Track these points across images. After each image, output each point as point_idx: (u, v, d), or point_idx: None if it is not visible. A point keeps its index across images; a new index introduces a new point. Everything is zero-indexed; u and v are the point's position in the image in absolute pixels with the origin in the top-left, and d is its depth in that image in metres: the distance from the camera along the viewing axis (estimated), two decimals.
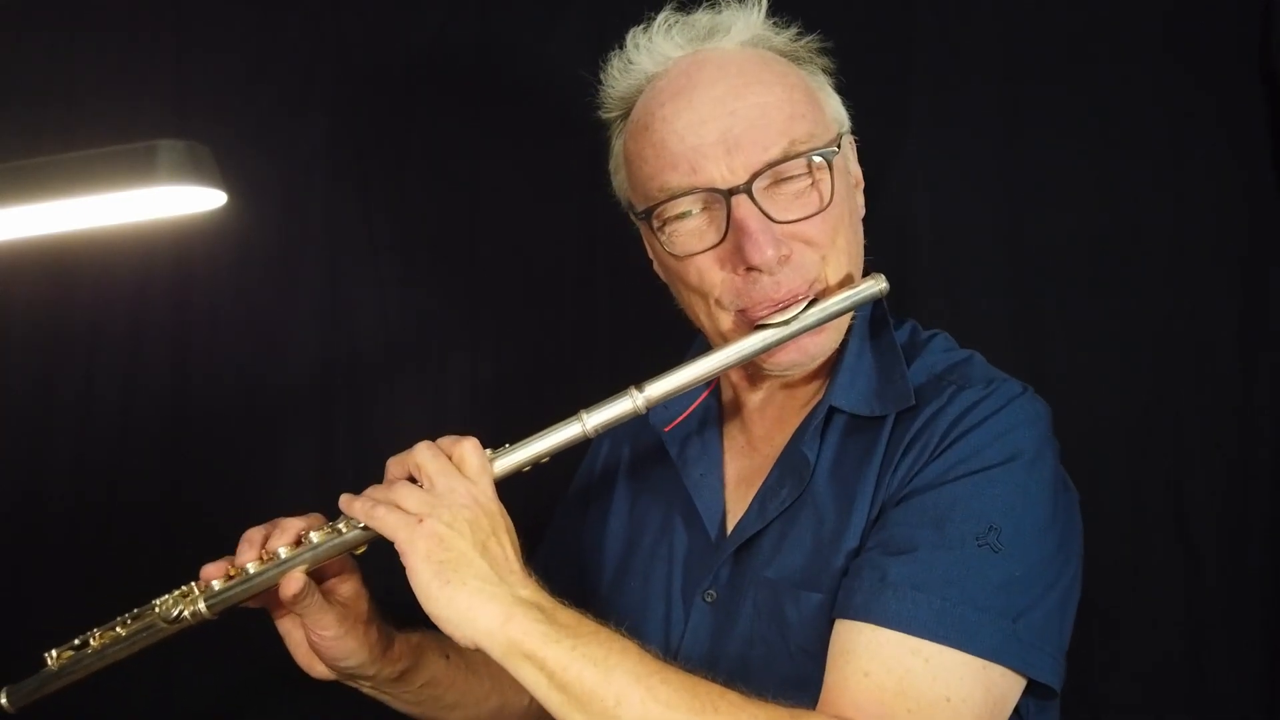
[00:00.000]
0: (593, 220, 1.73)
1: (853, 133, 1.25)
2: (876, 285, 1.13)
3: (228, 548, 1.45)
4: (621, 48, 1.22)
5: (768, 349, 1.13)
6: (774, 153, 1.11)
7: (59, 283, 1.73)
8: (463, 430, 1.12)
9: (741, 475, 1.24)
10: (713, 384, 1.31)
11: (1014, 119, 1.60)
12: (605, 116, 1.27)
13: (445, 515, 1.03)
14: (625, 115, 1.23)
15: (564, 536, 1.43)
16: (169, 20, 1.77)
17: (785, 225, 1.11)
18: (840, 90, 1.25)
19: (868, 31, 1.62)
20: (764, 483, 1.19)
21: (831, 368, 1.19)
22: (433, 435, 1.15)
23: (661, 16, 1.19)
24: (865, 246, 1.24)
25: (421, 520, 1.02)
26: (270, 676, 1.72)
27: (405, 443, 1.12)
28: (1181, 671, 1.51)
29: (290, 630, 1.19)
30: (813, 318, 1.12)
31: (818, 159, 1.13)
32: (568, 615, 1.01)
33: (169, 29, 1.77)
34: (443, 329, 1.76)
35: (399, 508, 1.05)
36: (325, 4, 1.77)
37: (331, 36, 1.77)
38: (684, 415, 1.29)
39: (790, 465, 1.17)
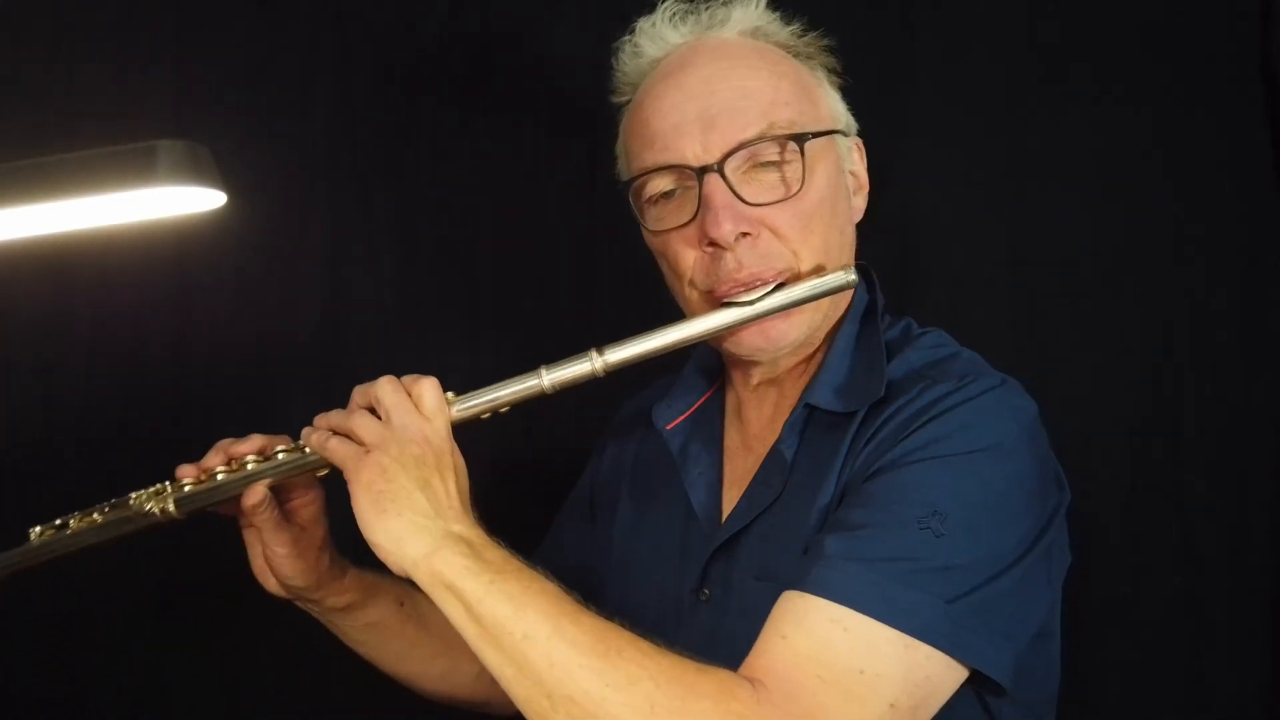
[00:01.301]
0: (593, 219, 1.73)
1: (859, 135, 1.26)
2: (846, 277, 1.13)
3: (227, 546, 1.45)
4: (632, 35, 1.25)
5: (729, 328, 1.15)
6: (750, 133, 1.13)
7: (59, 283, 1.73)
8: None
9: (736, 475, 1.25)
10: (714, 386, 1.32)
11: (1014, 118, 1.60)
12: (616, 101, 1.30)
13: (393, 449, 1.07)
14: (631, 99, 1.27)
15: (562, 539, 1.44)
16: (169, 20, 1.77)
17: (754, 208, 1.13)
18: (843, 91, 1.25)
19: (868, 30, 1.62)
20: (751, 481, 1.20)
21: (818, 369, 1.20)
22: None
23: (668, 4, 1.23)
24: (865, 247, 1.24)
25: (369, 451, 1.07)
26: (268, 677, 1.72)
27: None
28: (1181, 671, 1.51)
29: (252, 542, 1.27)
30: (775, 302, 1.13)
31: (793, 145, 1.14)
32: (495, 553, 1.04)
33: (169, 29, 1.77)
34: (443, 328, 1.76)
35: (351, 437, 1.10)
36: (325, 4, 1.77)
37: (331, 36, 1.77)
38: (685, 415, 1.30)
39: (772, 463, 1.18)
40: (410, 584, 1.04)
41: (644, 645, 0.98)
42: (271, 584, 1.28)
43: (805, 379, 1.21)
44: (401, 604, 1.35)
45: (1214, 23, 1.54)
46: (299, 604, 1.32)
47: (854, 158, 1.25)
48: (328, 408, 1.76)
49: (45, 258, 1.64)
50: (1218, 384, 1.53)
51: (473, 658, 1.19)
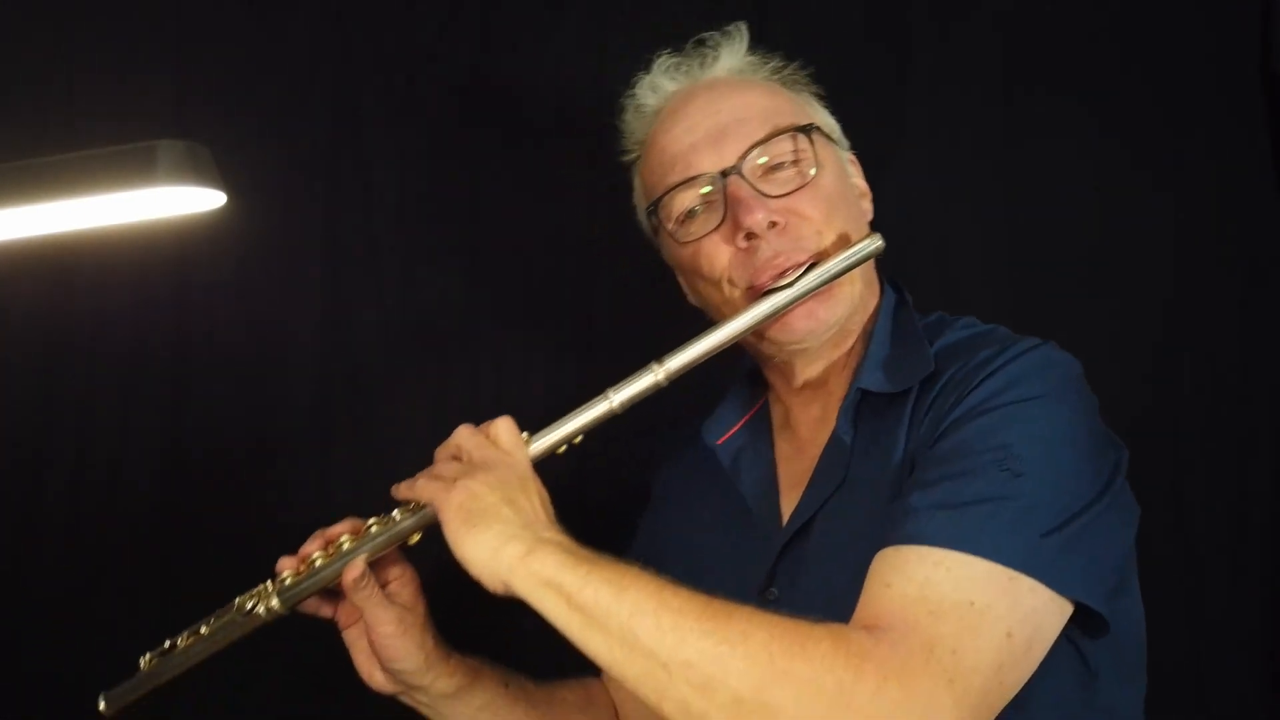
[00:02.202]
0: (594, 223, 1.73)
1: (851, 147, 1.33)
2: (874, 243, 1.20)
3: (226, 547, 1.45)
4: (631, 96, 1.35)
5: (776, 313, 1.19)
6: (759, 134, 1.22)
7: (59, 283, 1.73)
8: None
9: (793, 478, 1.27)
10: (761, 400, 1.37)
11: (1013, 119, 1.60)
12: (626, 160, 1.39)
13: (479, 475, 1.11)
14: (640, 153, 1.36)
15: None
16: (169, 20, 1.76)
17: (778, 199, 1.20)
18: (839, 92, 1.30)
19: (866, 32, 1.62)
20: (811, 477, 1.23)
21: (860, 359, 1.24)
22: (433, 434, 1.18)
23: (660, 60, 1.34)
24: None
25: (455, 481, 1.11)
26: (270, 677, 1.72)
27: (404, 442, 1.13)
28: (1182, 673, 1.51)
29: (355, 640, 1.26)
30: (814, 279, 1.19)
31: (801, 136, 1.23)
32: (588, 551, 1.06)
33: (169, 29, 1.76)
34: (443, 329, 1.76)
35: (438, 477, 1.14)
36: (326, 4, 1.77)
37: (331, 36, 1.77)
38: (735, 429, 1.34)
39: (832, 452, 1.21)
40: (510, 667, 1.11)
41: (750, 607, 0.99)
42: (379, 679, 1.26)
43: (848, 373, 1.25)
44: (507, 685, 1.33)
45: (1214, 23, 1.54)
46: (407, 699, 1.29)
47: (853, 170, 1.33)
48: (327, 407, 1.77)
49: (45, 258, 1.64)
50: (1217, 383, 1.53)
51: None
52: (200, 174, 1.04)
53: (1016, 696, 1.00)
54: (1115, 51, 1.57)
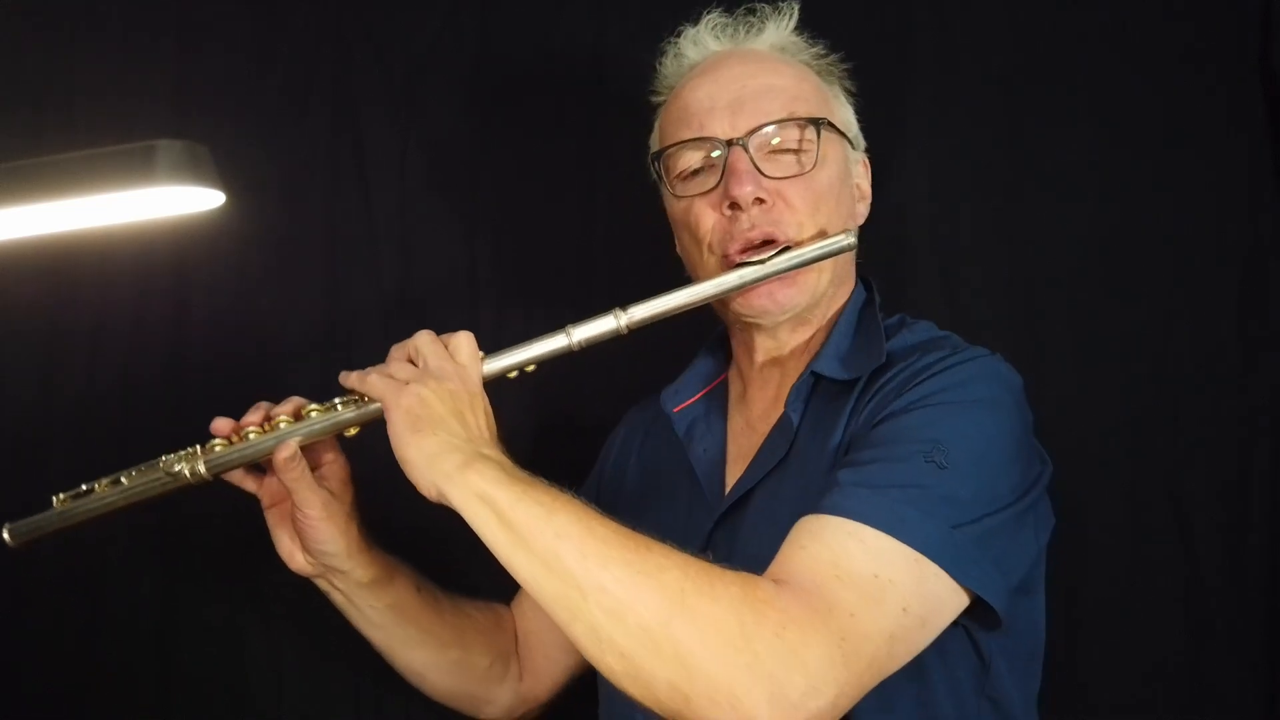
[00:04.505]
0: (594, 220, 1.73)
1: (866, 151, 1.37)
2: (846, 239, 1.24)
3: (226, 546, 1.45)
4: (675, 40, 1.39)
5: (743, 286, 1.24)
6: (774, 116, 1.26)
7: (59, 283, 1.73)
8: None
9: (741, 451, 1.32)
10: (722, 375, 1.42)
11: (1014, 119, 1.60)
12: (655, 100, 1.42)
13: (430, 383, 1.14)
14: (666, 98, 1.39)
15: None
16: (169, 20, 1.76)
17: (772, 180, 1.25)
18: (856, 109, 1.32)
19: (867, 30, 1.62)
20: (756, 453, 1.28)
21: (820, 346, 1.29)
22: None
23: (710, 16, 1.38)
24: (865, 248, 1.31)
25: (407, 384, 1.14)
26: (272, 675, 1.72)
27: None
28: (1181, 671, 1.51)
29: (278, 521, 1.32)
30: (784, 261, 1.24)
31: (810, 128, 1.27)
32: (526, 474, 1.09)
33: (169, 29, 1.76)
34: (443, 329, 1.75)
35: (390, 376, 1.17)
36: (326, 4, 1.77)
37: (331, 36, 1.77)
38: (693, 400, 1.39)
39: (779, 430, 1.27)
40: (421, 572, 1.12)
41: (670, 546, 1.03)
42: (299, 560, 1.31)
43: (806, 358, 1.30)
44: (419, 589, 1.40)
45: (1214, 22, 1.54)
46: (322, 583, 1.34)
47: (860, 170, 1.38)
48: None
49: (45, 258, 1.64)
50: (1218, 384, 1.53)
51: (484, 649, 1.39)
52: (200, 174, 1.04)
53: (918, 672, 1.08)
54: (1115, 50, 1.57)
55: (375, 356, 1.74)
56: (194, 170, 1.04)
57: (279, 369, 1.75)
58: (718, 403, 1.39)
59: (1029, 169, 1.59)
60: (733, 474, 1.31)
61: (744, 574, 1.02)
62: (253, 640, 1.70)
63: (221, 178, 1.08)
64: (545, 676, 1.48)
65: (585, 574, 0.99)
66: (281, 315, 1.75)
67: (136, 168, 1.01)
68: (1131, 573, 1.53)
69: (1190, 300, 1.54)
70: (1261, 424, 1.51)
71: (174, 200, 1.10)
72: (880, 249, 1.61)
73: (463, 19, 1.75)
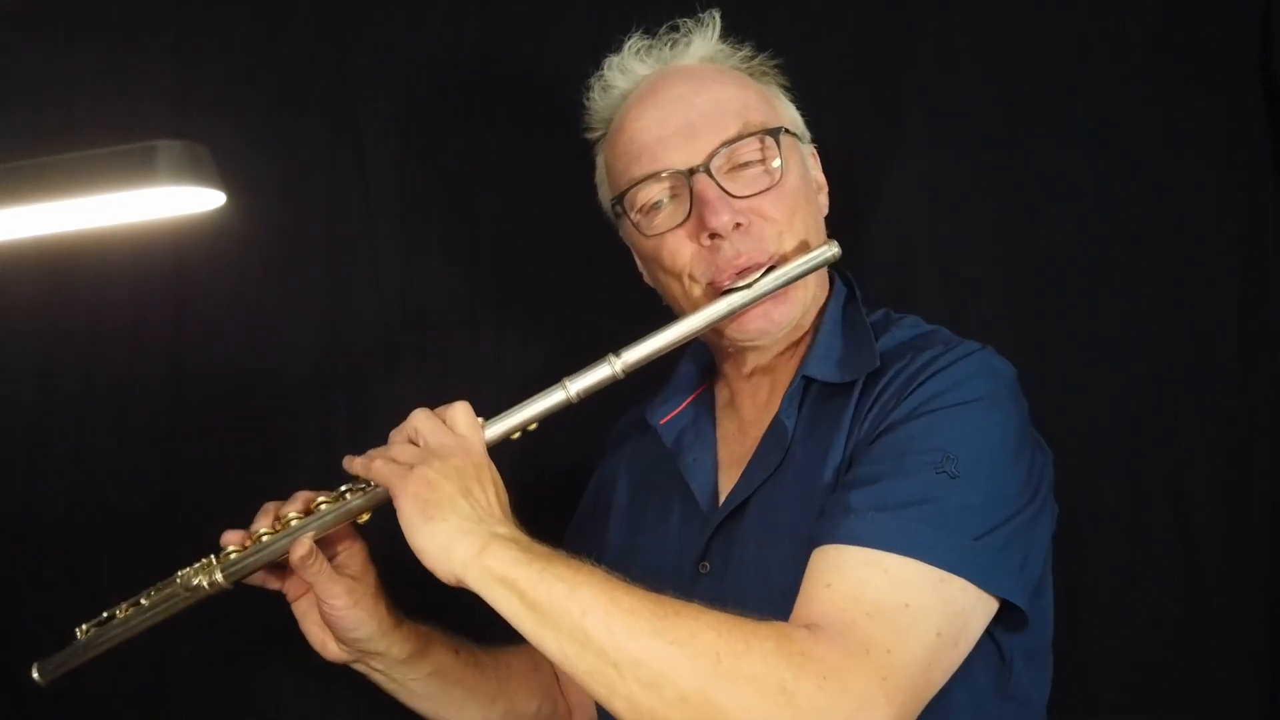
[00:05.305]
0: (593, 219, 1.72)
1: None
2: (830, 250, 1.22)
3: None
4: (600, 75, 1.36)
5: (734, 313, 1.22)
6: (729, 133, 1.23)
7: (59, 283, 1.73)
8: None
9: (733, 457, 1.31)
10: (706, 383, 1.40)
11: (1014, 119, 1.60)
12: (590, 137, 1.39)
13: (435, 464, 1.11)
14: (605, 132, 1.36)
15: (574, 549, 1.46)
16: (169, 20, 1.76)
17: (742, 200, 1.22)
18: (836, 90, 1.31)
19: (866, 31, 1.62)
20: (750, 459, 1.26)
21: (808, 348, 1.28)
22: None
23: (631, 41, 1.34)
24: (865, 248, 1.32)
25: (412, 468, 1.11)
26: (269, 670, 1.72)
27: None
28: (1181, 672, 1.51)
29: (305, 612, 1.29)
30: (771, 281, 1.21)
31: (770, 139, 1.24)
32: (542, 548, 1.07)
33: (169, 29, 1.76)
34: (443, 329, 1.76)
35: (394, 460, 1.14)
36: (325, 4, 1.77)
37: (331, 36, 1.77)
38: (679, 410, 1.38)
39: (773, 435, 1.25)
40: (460, 632, 1.12)
41: (697, 605, 1.02)
42: (332, 649, 1.29)
43: (796, 361, 1.28)
44: (457, 651, 1.38)
45: (1214, 22, 1.54)
46: (362, 668, 1.32)
47: (812, 163, 1.35)
48: (326, 407, 1.77)
49: (45, 258, 1.64)
50: (1218, 383, 1.53)
51: (529, 694, 1.39)
52: (200, 174, 1.04)
53: None
54: (1114, 51, 1.56)
55: (375, 356, 1.76)
56: (194, 170, 1.04)
57: (278, 369, 1.75)
58: (705, 409, 1.37)
59: (1029, 169, 1.59)
60: (725, 481, 1.29)
61: (776, 625, 1.01)
62: (253, 640, 1.70)
63: (221, 178, 1.08)
64: (590, 707, 1.45)
65: (616, 649, 0.98)
66: (280, 315, 1.75)
67: (136, 168, 1.01)
68: (1131, 573, 1.53)
69: (1190, 299, 1.54)
70: (1261, 423, 1.51)
71: (174, 200, 1.10)
72: (880, 249, 1.61)
73: (463, 19, 1.75)
